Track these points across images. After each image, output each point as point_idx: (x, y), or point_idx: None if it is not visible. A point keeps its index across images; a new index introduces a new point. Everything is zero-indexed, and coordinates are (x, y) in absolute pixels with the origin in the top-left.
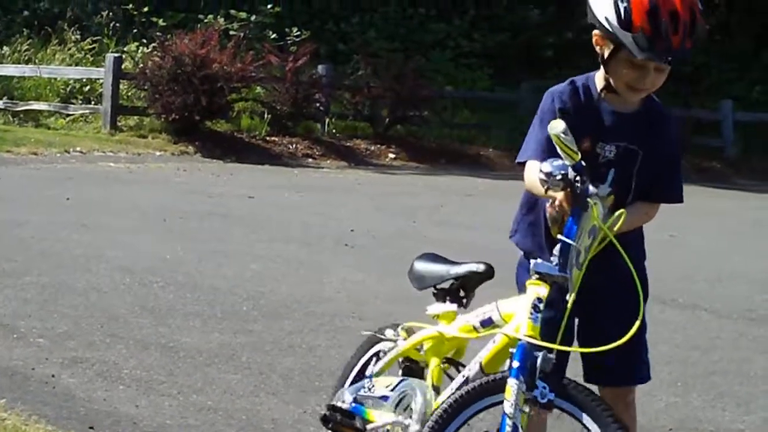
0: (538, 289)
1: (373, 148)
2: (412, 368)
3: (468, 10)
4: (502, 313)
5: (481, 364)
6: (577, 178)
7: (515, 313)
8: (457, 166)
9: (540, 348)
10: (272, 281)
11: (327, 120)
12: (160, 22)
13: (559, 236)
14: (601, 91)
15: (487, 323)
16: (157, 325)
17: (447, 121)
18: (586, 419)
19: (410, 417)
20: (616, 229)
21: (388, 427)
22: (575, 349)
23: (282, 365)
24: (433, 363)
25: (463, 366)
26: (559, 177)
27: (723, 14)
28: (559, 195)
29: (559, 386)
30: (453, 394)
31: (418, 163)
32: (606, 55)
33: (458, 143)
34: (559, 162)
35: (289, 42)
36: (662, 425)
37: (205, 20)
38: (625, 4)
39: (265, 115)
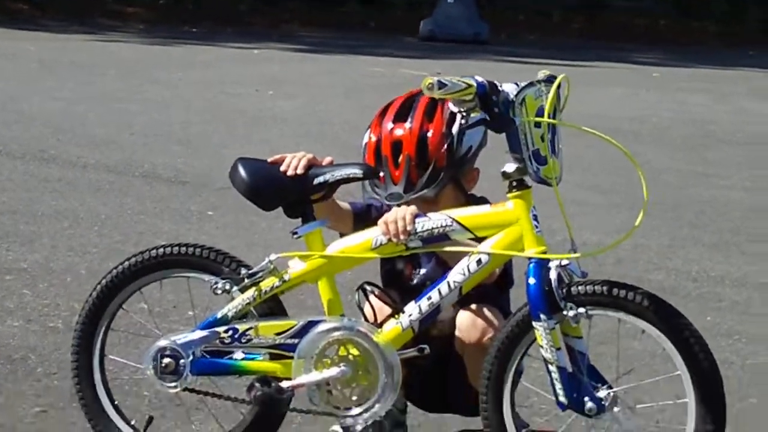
0: (528, 198)
1: None
2: (273, 310)
3: None
4: (470, 225)
5: (461, 288)
6: (492, 98)
7: (483, 225)
8: None
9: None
10: None
11: None
12: None
13: (510, 154)
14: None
15: (439, 239)
16: None
17: None
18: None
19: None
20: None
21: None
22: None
23: None
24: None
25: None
26: (467, 89)
27: None
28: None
29: (579, 296)
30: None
31: None
32: None
33: None
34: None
35: None
36: None
37: None
38: (365, 140)
39: None
